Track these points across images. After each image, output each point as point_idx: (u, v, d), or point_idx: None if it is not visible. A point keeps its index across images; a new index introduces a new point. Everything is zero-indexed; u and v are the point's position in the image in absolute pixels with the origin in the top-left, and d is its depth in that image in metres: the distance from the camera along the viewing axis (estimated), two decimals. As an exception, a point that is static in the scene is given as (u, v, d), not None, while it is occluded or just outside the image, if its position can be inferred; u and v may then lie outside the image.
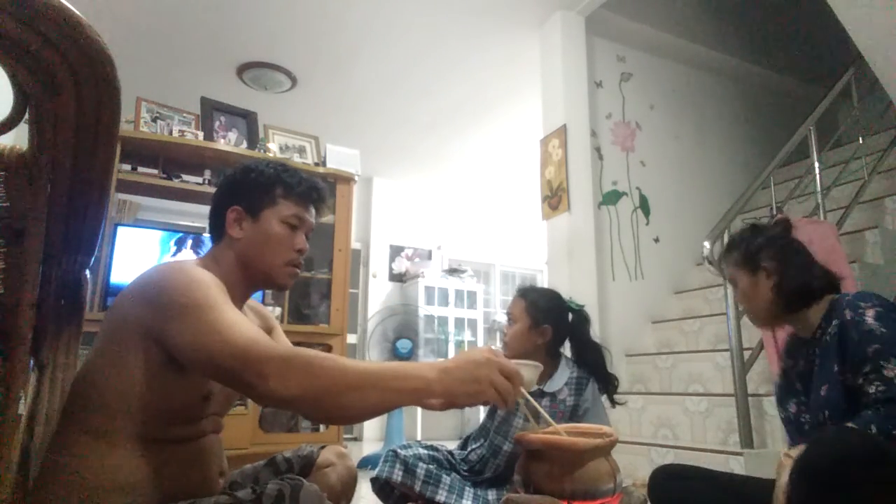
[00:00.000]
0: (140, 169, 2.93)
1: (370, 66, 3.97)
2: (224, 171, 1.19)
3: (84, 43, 0.57)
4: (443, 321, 5.45)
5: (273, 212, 1.09)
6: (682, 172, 3.86)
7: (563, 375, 1.71)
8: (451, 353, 5.31)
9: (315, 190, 1.15)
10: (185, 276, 0.93)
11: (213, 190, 1.18)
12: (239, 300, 1.09)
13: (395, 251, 5.98)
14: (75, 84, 0.60)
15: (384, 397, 0.81)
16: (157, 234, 2.93)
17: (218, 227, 1.11)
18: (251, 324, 0.91)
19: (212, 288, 0.92)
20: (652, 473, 1.39)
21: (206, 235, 1.15)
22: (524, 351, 1.70)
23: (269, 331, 1.23)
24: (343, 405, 0.80)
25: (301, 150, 3.45)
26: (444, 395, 0.81)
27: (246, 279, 1.09)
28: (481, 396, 0.82)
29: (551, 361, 1.73)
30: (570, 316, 1.78)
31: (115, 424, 0.90)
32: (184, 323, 0.87)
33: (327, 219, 3.25)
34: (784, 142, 3.01)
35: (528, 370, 1.08)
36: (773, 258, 1.33)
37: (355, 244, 5.66)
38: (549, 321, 1.70)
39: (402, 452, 1.62)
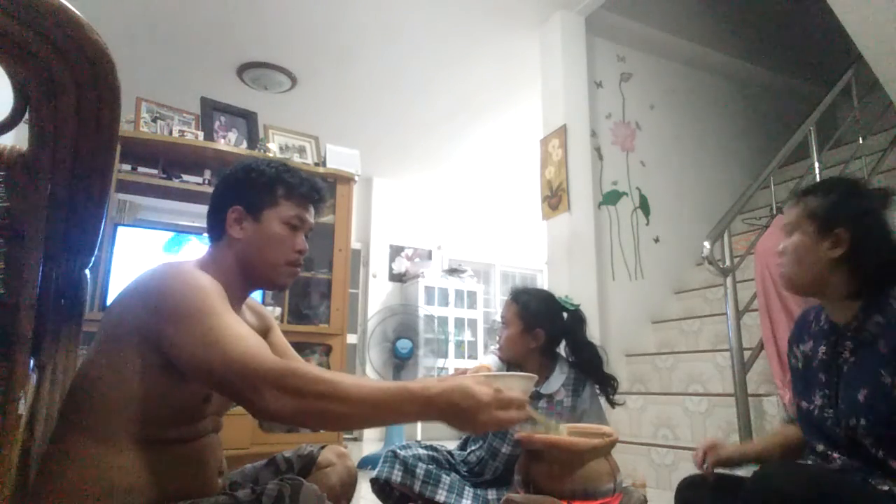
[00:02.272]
0: (140, 169, 2.93)
1: (370, 65, 3.97)
2: (222, 171, 1.18)
3: (84, 43, 0.57)
4: (443, 321, 5.45)
5: (274, 212, 1.09)
6: (682, 172, 3.86)
7: (560, 377, 1.70)
8: (451, 354, 5.31)
9: (316, 191, 1.15)
10: (183, 282, 0.92)
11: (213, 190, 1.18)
12: (237, 301, 1.09)
13: (395, 251, 5.98)
14: (75, 84, 0.60)
15: (377, 422, 0.88)
16: (157, 234, 2.93)
17: (217, 226, 1.10)
18: (250, 332, 0.91)
19: (210, 294, 0.92)
20: (679, 489, 1.25)
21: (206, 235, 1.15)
22: (518, 354, 1.69)
23: (266, 331, 1.23)
24: (336, 425, 0.86)
25: (301, 150, 3.44)
26: (442, 420, 0.84)
27: (245, 279, 1.09)
28: (483, 431, 0.86)
29: (547, 363, 1.72)
30: (566, 315, 1.76)
31: (113, 426, 0.90)
32: (182, 331, 0.86)
33: (327, 219, 3.25)
34: (784, 142, 3.01)
35: (522, 382, 1.07)
36: (853, 230, 1.11)
37: (355, 244, 5.66)
38: (542, 324, 1.67)
39: (402, 453, 1.61)
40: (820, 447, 1.14)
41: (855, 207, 1.14)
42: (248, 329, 0.91)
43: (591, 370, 1.72)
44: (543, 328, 1.68)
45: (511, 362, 1.69)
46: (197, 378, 0.89)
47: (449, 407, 0.82)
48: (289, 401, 0.80)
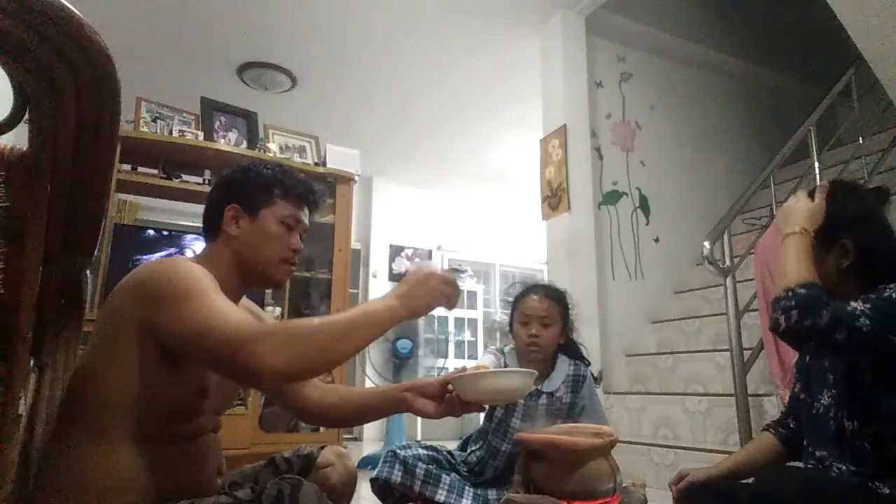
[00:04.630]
0: (140, 169, 2.93)
1: (370, 66, 3.97)
2: (222, 171, 1.21)
3: (84, 43, 0.57)
4: (443, 321, 5.44)
5: (270, 211, 1.11)
6: (682, 172, 3.86)
7: (560, 374, 1.71)
8: (451, 353, 5.31)
9: (311, 192, 1.18)
10: (173, 270, 0.94)
11: (213, 190, 1.19)
12: (233, 298, 1.10)
13: (395, 251, 5.98)
14: (75, 84, 0.60)
15: (366, 335, 0.91)
16: (157, 235, 2.93)
17: (214, 225, 1.12)
18: (241, 310, 0.93)
19: (200, 279, 0.93)
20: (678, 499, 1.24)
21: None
22: (552, 352, 1.72)
23: None
24: (337, 352, 0.88)
25: (301, 150, 3.44)
26: (409, 313, 0.95)
27: (240, 276, 1.10)
28: (436, 305, 0.98)
29: (550, 360, 1.73)
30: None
31: (112, 422, 0.90)
32: (173, 313, 0.88)
33: (327, 219, 3.25)
34: (784, 142, 3.01)
35: (523, 377, 1.07)
36: (858, 239, 1.08)
37: (355, 244, 5.65)
38: (568, 321, 1.74)
39: (402, 453, 1.61)
40: (819, 452, 1.13)
41: (855, 214, 1.11)
42: (237, 308, 0.93)
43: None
44: (567, 324, 1.74)
45: (530, 361, 1.69)
46: (192, 357, 0.91)
47: (407, 290, 0.95)
48: (289, 351, 0.82)
